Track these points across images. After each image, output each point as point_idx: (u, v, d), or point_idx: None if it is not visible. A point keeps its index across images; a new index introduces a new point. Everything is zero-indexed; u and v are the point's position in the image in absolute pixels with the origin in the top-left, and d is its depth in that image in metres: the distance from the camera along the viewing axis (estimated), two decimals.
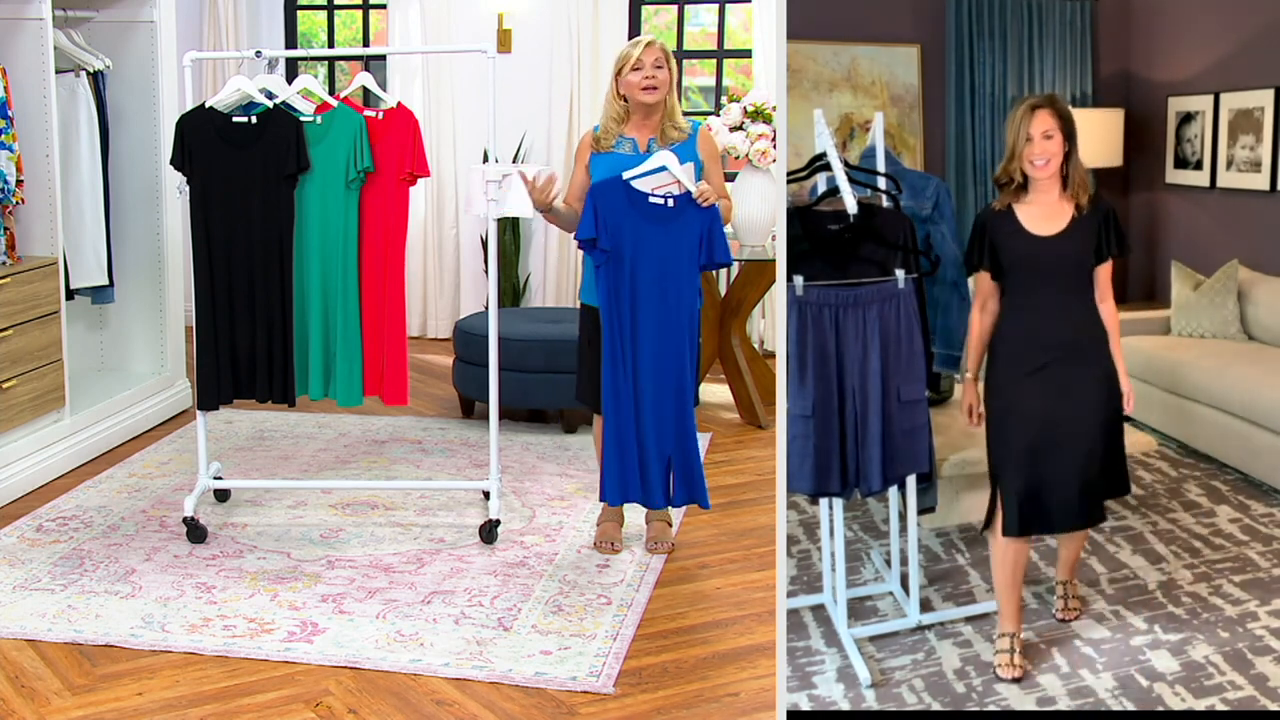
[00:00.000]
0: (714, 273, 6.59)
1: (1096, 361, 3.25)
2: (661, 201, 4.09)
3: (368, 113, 4.41)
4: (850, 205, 3.21)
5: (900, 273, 3.19)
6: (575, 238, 4.19)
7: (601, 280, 4.13)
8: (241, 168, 4.34)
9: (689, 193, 4.08)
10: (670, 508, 4.34)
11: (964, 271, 3.50)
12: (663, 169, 4.09)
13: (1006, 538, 3.23)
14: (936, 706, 3.12)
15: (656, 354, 4.11)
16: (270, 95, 4.38)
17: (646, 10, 7.68)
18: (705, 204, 4.08)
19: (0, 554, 4.33)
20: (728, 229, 6.10)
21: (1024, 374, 3.23)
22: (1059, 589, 3.48)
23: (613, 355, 4.12)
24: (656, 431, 4.14)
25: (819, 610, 3.55)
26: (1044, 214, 3.23)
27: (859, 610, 3.56)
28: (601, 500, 4.26)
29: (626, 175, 4.11)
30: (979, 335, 3.31)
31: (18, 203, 4.94)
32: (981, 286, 3.31)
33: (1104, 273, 3.28)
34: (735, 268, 6.75)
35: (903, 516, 3.57)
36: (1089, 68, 4.87)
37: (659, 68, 4.17)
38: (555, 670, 3.54)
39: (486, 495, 4.73)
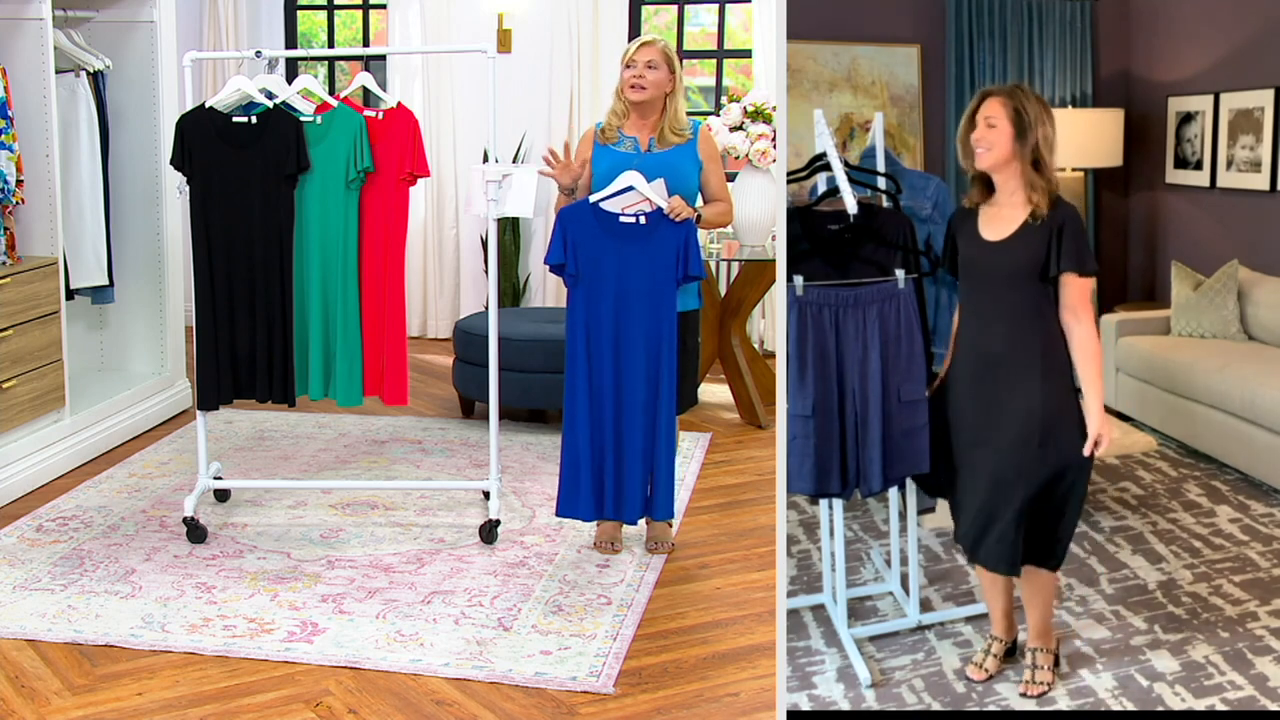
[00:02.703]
0: (713, 273, 6.60)
1: (1029, 389, 2.99)
2: (633, 220, 4.09)
3: (368, 113, 4.41)
4: (850, 205, 3.21)
5: (900, 273, 3.19)
6: (545, 262, 4.22)
7: (577, 301, 4.14)
8: (241, 168, 4.34)
9: (661, 209, 4.08)
10: (650, 520, 4.39)
11: None
12: (630, 189, 4.09)
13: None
14: (936, 706, 3.12)
15: (639, 372, 4.13)
16: (270, 95, 4.38)
17: (646, 10, 7.68)
18: (679, 219, 4.08)
19: (0, 554, 4.33)
20: (728, 230, 6.14)
21: (965, 386, 3.11)
22: (1028, 656, 3.17)
23: (588, 374, 4.14)
24: (640, 446, 4.17)
25: (819, 610, 3.55)
26: (998, 216, 3.04)
27: (859, 610, 3.56)
28: (558, 515, 4.29)
29: (594, 198, 4.12)
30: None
31: (18, 203, 4.94)
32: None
33: (1070, 289, 2.98)
34: (735, 268, 6.75)
35: (903, 516, 3.57)
36: (1089, 68, 4.87)
37: (651, 68, 4.17)
38: (555, 670, 3.54)
39: (486, 495, 4.73)
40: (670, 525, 4.48)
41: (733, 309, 6.11)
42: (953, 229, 3.15)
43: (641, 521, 4.50)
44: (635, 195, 4.08)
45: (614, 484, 4.21)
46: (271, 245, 4.37)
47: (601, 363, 4.14)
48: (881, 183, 3.37)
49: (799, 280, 3.11)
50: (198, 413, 4.55)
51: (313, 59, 7.71)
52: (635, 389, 4.13)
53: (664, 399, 4.13)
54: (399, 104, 4.49)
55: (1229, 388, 4.19)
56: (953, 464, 3.17)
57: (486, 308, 6.12)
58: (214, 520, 4.62)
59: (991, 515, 3.05)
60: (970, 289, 3.12)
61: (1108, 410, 4.69)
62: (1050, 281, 2.99)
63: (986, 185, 3.08)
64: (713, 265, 6.61)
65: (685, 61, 7.66)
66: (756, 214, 5.92)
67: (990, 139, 2.98)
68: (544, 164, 4.20)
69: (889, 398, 3.18)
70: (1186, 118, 4.66)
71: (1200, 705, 3.04)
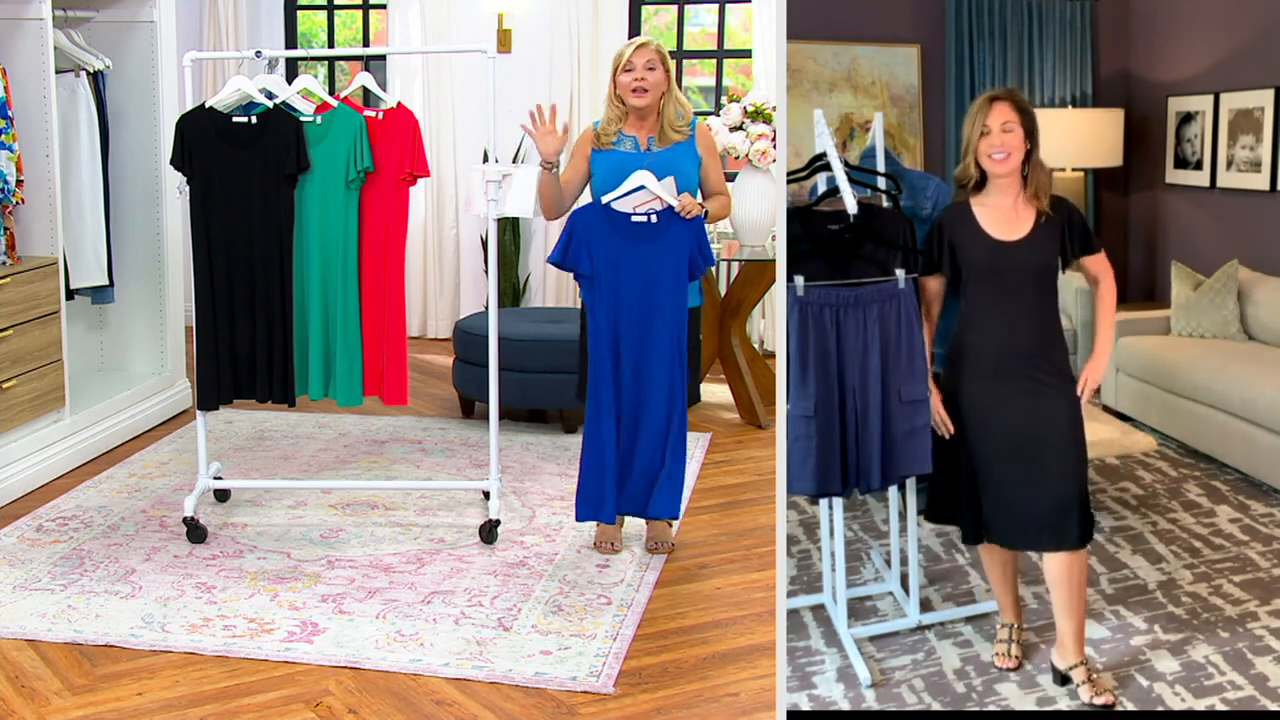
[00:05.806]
0: (713, 273, 6.60)
1: (1061, 373, 3.12)
2: (644, 219, 4.09)
3: (368, 113, 4.40)
4: (850, 205, 3.21)
5: (900, 273, 3.19)
6: (548, 260, 4.23)
7: (598, 304, 4.14)
8: (241, 168, 4.34)
9: (671, 207, 4.08)
10: (649, 518, 4.39)
11: None
12: (641, 188, 4.09)
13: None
14: (936, 706, 3.12)
15: (650, 369, 4.13)
16: (270, 95, 4.38)
17: (646, 10, 7.68)
18: (689, 216, 4.08)
19: (0, 554, 4.33)
20: (728, 230, 6.14)
21: (987, 384, 3.14)
22: (1077, 672, 3.12)
23: (614, 376, 4.15)
24: (648, 445, 4.17)
25: (819, 610, 3.55)
26: (1004, 217, 3.11)
27: (859, 610, 3.56)
28: (579, 520, 4.29)
29: (605, 199, 4.12)
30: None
31: (18, 203, 4.94)
32: (928, 290, 3.23)
33: (1092, 264, 3.16)
34: (735, 267, 6.76)
35: (903, 516, 3.58)
36: (1089, 68, 4.88)
37: (650, 69, 4.16)
38: (555, 670, 3.54)
39: (486, 495, 4.73)
40: (671, 525, 4.48)
41: (733, 309, 6.11)
42: (944, 230, 3.17)
43: (641, 520, 4.51)
44: (647, 194, 4.09)
45: (615, 483, 4.21)
46: (271, 245, 4.37)
47: (624, 364, 4.14)
48: (881, 183, 3.37)
49: (799, 280, 3.11)
50: (198, 413, 4.55)
51: (313, 59, 7.71)
52: (658, 387, 4.13)
53: (678, 395, 4.14)
54: (399, 104, 4.49)
55: (1229, 388, 4.19)
56: (969, 471, 3.17)
57: (486, 308, 6.13)
58: (214, 520, 4.62)
59: (1057, 497, 3.06)
60: (984, 290, 3.14)
61: (1107, 410, 4.71)
62: (1056, 274, 3.13)
63: (977, 185, 3.14)
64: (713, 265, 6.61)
65: (685, 61, 7.68)
66: (756, 214, 5.92)
67: (1010, 144, 3.06)
68: (529, 121, 4.15)
69: (889, 397, 3.18)
70: (1186, 118, 4.66)
71: (1200, 705, 3.04)
